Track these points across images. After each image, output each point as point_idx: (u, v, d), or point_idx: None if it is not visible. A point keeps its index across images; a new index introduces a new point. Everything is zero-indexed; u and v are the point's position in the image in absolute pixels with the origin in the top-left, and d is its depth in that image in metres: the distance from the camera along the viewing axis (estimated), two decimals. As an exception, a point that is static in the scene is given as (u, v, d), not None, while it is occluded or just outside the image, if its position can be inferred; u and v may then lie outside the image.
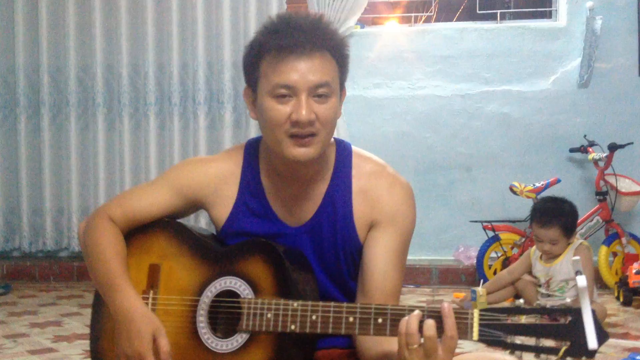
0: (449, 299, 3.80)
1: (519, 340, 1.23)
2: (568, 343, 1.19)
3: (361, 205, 1.59)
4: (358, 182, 1.60)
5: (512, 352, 1.24)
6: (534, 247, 3.49)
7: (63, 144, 4.74)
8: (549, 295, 3.34)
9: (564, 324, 1.20)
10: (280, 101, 1.47)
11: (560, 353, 1.19)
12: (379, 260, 1.55)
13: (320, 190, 1.60)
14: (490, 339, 1.25)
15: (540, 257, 3.42)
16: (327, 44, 1.51)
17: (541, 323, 1.23)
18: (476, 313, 1.27)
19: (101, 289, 1.59)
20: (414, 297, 3.92)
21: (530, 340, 1.23)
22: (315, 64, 1.47)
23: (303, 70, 1.46)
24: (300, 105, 1.46)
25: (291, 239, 1.61)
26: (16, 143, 4.77)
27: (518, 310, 1.25)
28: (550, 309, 1.24)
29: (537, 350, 1.22)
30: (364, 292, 1.56)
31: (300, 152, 1.49)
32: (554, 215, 3.37)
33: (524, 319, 1.24)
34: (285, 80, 1.46)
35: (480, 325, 1.26)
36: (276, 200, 1.62)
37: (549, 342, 1.22)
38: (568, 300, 1.15)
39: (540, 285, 3.42)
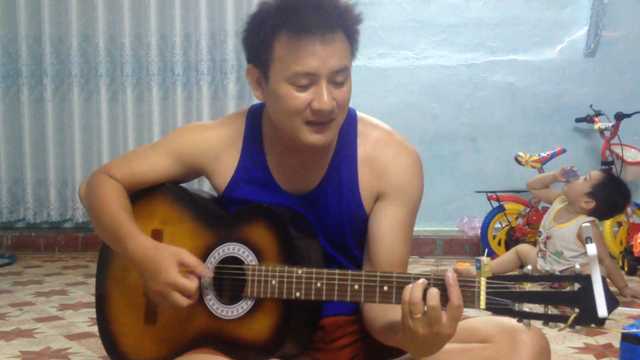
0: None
1: (527, 307, 1.22)
2: (577, 310, 1.18)
3: (367, 175, 1.55)
4: (364, 150, 1.56)
5: (520, 320, 1.23)
6: (560, 202, 3.50)
7: (66, 114, 4.71)
8: (543, 257, 3.37)
9: (572, 292, 1.19)
10: (299, 89, 1.40)
11: (569, 321, 1.18)
12: (386, 233, 1.53)
13: (325, 159, 1.57)
14: (497, 307, 1.24)
15: (553, 217, 3.45)
16: (342, 22, 1.42)
17: (549, 290, 1.22)
18: (483, 281, 1.25)
19: (110, 240, 1.58)
20: (418, 268, 3.92)
21: (538, 308, 1.22)
22: (333, 47, 1.39)
23: (323, 56, 1.38)
24: (321, 94, 1.39)
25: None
26: (19, 114, 4.75)
27: (526, 278, 1.23)
28: (559, 276, 1.22)
29: (546, 318, 1.21)
30: (371, 263, 1.55)
31: (317, 138, 1.45)
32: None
33: (531, 287, 1.23)
34: (306, 68, 1.38)
35: (488, 293, 1.25)
36: (279, 170, 1.60)
37: (557, 310, 1.21)
38: (577, 266, 1.12)
39: (538, 241, 3.46)
